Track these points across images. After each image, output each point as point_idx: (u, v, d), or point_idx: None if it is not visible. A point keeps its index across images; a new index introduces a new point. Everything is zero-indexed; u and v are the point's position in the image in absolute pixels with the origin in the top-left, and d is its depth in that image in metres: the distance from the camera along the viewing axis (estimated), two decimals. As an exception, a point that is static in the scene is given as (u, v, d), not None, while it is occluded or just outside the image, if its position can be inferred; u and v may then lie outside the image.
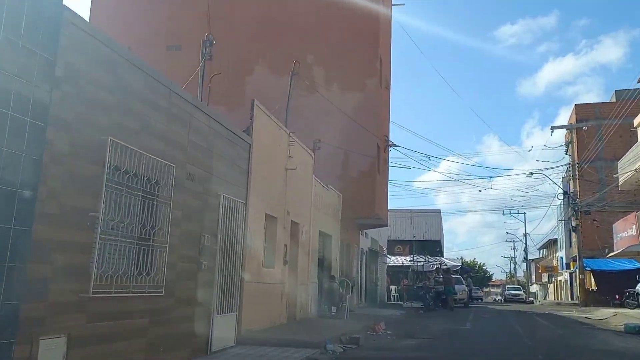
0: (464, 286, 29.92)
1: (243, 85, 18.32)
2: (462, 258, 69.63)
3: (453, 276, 28.92)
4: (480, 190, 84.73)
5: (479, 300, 43.23)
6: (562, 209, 45.14)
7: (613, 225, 29.42)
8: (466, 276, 39.80)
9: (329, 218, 17.90)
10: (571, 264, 43.10)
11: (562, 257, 49.48)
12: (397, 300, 31.70)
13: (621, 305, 25.90)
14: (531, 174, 31.85)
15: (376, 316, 17.94)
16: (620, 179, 27.38)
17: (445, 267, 31.11)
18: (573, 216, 31.11)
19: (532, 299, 54.64)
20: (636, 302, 20.53)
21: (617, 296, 27.86)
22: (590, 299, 29.36)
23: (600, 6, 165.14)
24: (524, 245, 63.79)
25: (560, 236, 49.76)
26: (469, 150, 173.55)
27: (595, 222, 32.95)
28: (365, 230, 25.58)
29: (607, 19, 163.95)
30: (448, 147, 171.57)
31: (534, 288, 72.74)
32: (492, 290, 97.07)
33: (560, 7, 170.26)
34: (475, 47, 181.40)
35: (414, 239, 44.62)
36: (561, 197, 37.62)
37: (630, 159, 25.63)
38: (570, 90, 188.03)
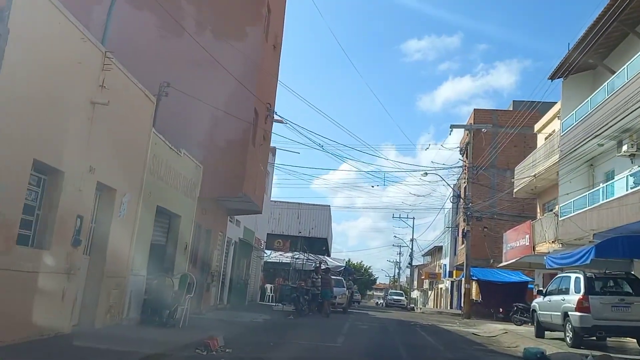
0: (345, 289, 26.89)
1: None
2: (349, 260, 67.82)
3: (334, 277, 25.80)
4: (372, 186, 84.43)
5: (357, 304, 41.15)
6: (451, 215, 44.16)
7: (504, 234, 27.97)
8: (350, 278, 37.17)
9: (179, 193, 13.73)
10: (454, 272, 42.10)
11: (445, 265, 48.80)
12: (272, 301, 28.08)
13: (505, 319, 24.19)
14: (426, 174, 29.99)
15: (230, 323, 14.13)
16: (516, 185, 25.83)
17: (325, 266, 27.86)
18: (464, 221, 29.31)
19: (412, 305, 53.76)
20: (528, 319, 18.51)
21: (501, 309, 26.22)
22: (473, 311, 27.56)
23: (500, 34, 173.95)
24: (410, 250, 63.30)
25: (446, 244, 49.04)
26: (368, 153, 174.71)
27: (485, 229, 31.57)
28: (236, 217, 21.60)
29: (504, 47, 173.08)
30: (352, 137, 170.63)
31: (415, 294, 72.75)
32: (375, 293, 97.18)
33: (465, 29, 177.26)
34: (382, 56, 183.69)
35: (300, 234, 41.36)
36: (453, 201, 36.31)
37: (529, 164, 24.02)
38: (464, 109, 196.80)
